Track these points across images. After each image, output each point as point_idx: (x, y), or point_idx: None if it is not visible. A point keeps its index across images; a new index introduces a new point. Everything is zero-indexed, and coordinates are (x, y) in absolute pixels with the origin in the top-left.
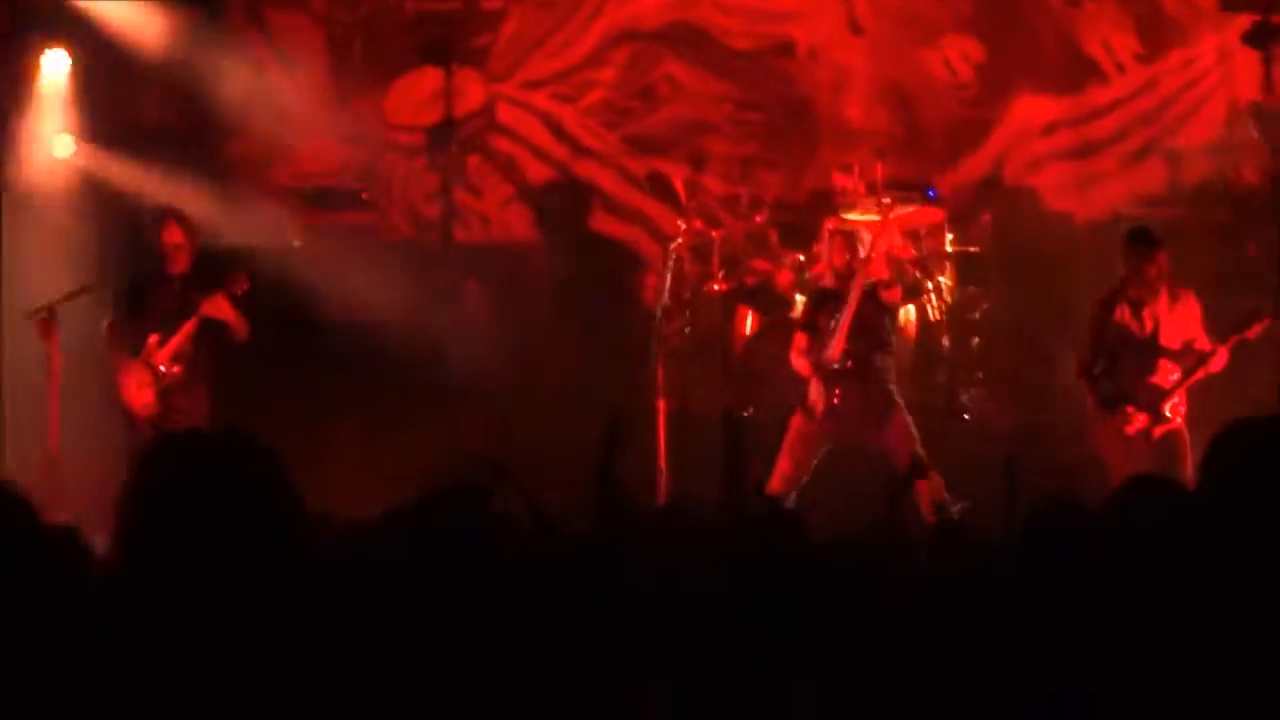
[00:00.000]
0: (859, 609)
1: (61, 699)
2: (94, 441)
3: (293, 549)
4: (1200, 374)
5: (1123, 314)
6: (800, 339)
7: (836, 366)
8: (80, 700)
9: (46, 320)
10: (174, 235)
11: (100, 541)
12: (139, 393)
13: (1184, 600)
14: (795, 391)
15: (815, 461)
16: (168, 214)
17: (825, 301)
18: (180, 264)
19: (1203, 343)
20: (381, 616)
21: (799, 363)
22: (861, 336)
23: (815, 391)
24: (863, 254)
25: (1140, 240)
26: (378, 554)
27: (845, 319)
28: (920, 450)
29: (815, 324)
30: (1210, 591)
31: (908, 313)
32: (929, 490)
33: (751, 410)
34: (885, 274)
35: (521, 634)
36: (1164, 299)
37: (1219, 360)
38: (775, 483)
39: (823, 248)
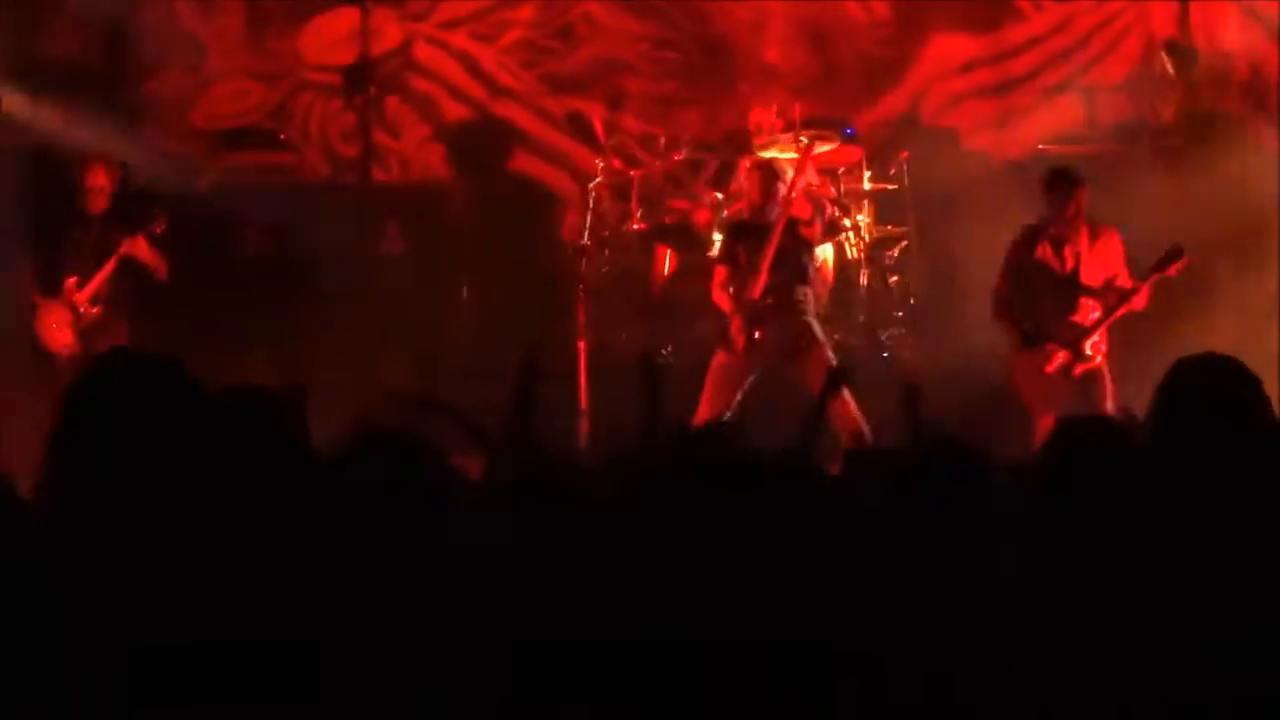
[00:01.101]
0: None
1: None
2: (10, 385)
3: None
4: (1121, 311)
5: (1044, 251)
6: (720, 272)
7: (758, 301)
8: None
9: None
10: (97, 178)
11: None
12: (58, 333)
13: (1130, 543)
14: (716, 328)
15: (737, 397)
16: (92, 157)
17: (743, 235)
18: (100, 205)
19: (1124, 280)
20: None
21: (720, 297)
22: (781, 271)
23: (736, 327)
24: (782, 190)
25: (1061, 178)
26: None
27: (767, 255)
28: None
29: (734, 257)
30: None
31: (826, 251)
32: (846, 415)
33: (670, 349)
34: (806, 211)
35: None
36: (1084, 236)
37: (1140, 298)
38: (698, 421)
39: (741, 185)
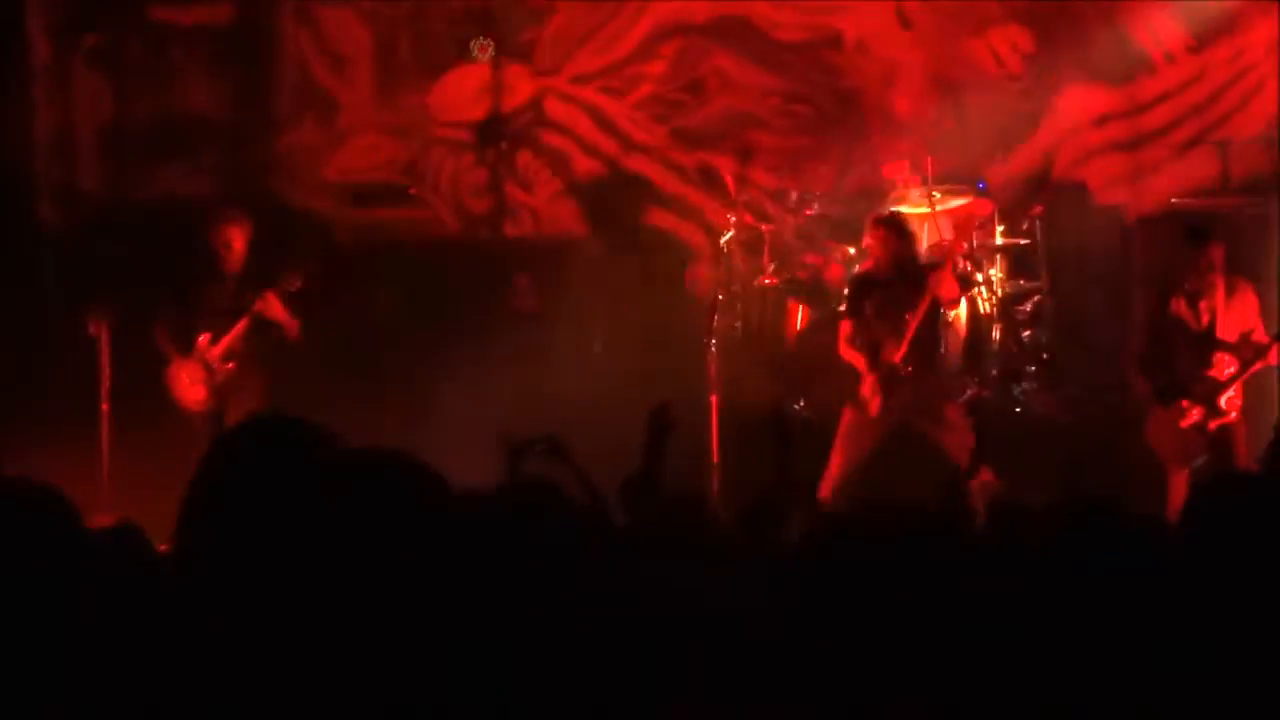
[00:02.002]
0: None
1: (124, 702)
2: (147, 442)
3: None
4: (1258, 367)
5: (1179, 306)
6: (846, 326)
7: (898, 367)
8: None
9: (98, 319)
10: (231, 236)
11: (154, 539)
12: (191, 389)
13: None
14: (847, 385)
15: (867, 457)
16: (227, 216)
17: (870, 289)
18: (234, 263)
19: (1260, 335)
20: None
21: (848, 353)
22: (920, 338)
23: (869, 388)
24: (921, 244)
25: (1196, 236)
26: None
27: (912, 324)
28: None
29: (861, 310)
30: None
31: (959, 307)
32: (983, 487)
33: (802, 404)
34: (955, 293)
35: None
36: (1220, 291)
37: (1275, 353)
38: (828, 480)
39: (870, 240)
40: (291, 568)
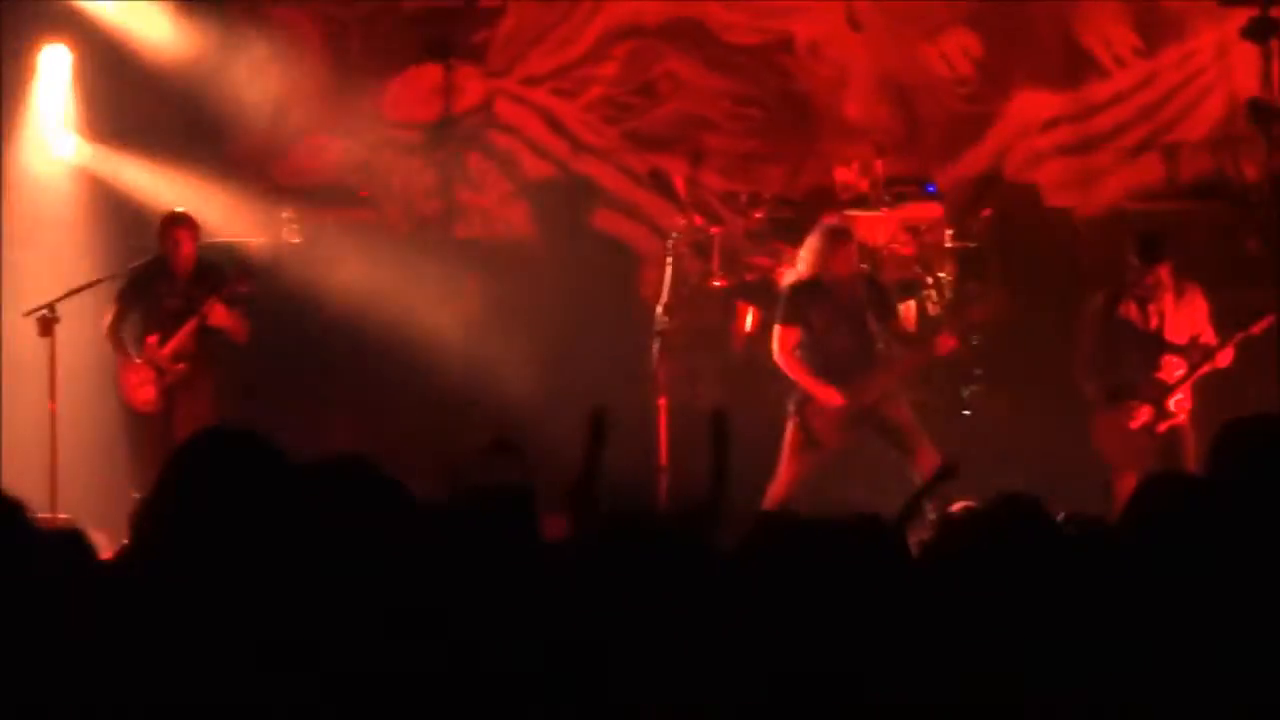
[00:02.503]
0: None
1: (65, 702)
2: (93, 441)
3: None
4: (1205, 369)
5: (1128, 309)
6: (790, 335)
7: (864, 405)
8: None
9: (46, 319)
10: (180, 237)
11: (100, 539)
12: (140, 390)
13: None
14: (795, 400)
15: (815, 470)
16: (176, 218)
17: (816, 298)
18: (183, 264)
19: (1209, 338)
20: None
21: (791, 364)
22: (862, 337)
23: (824, 422)
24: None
25: (1147, 249)
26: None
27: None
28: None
29: (808, 320)
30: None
31: (908, 308)
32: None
33: (751, 406)
34: (913, 328)
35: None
36: (1170, 294)
37: (1225, 357)
38: (774, 491)
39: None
40: (252, 578)
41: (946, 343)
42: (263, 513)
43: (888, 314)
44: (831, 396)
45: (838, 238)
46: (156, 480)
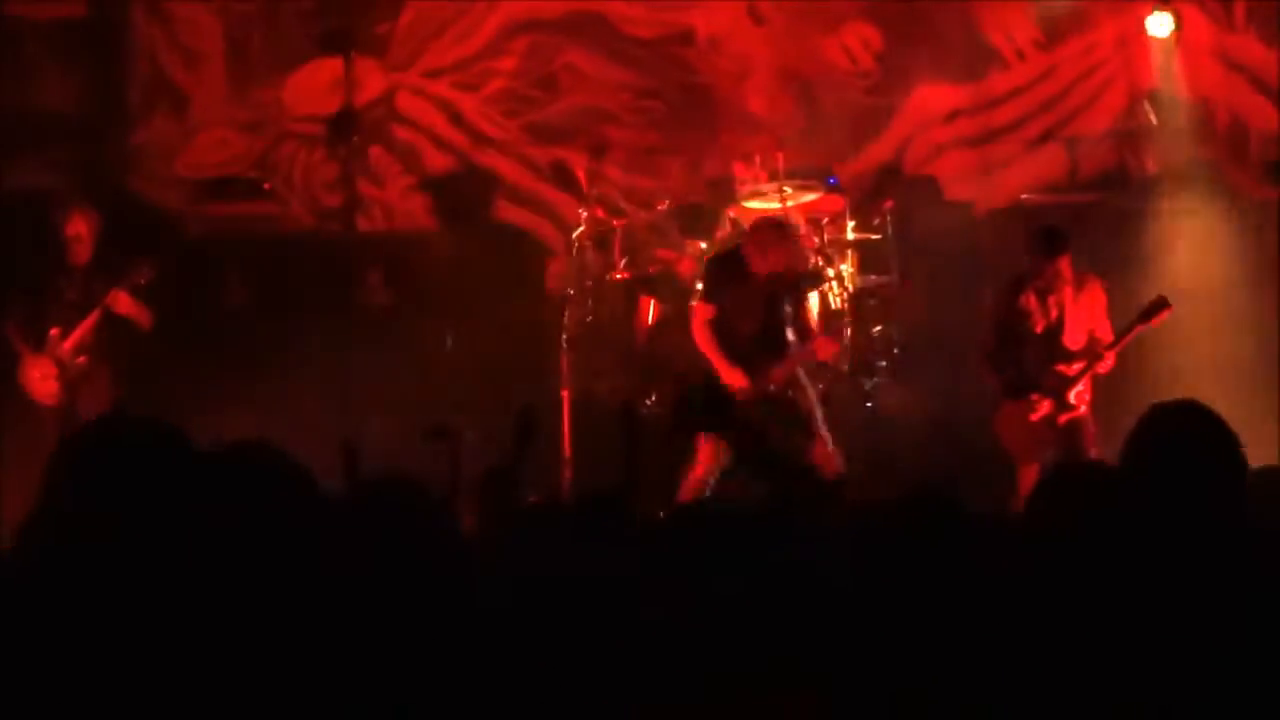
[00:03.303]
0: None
1: None
2: None
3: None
4: (1102, 364)
5: (1028, 302)
6: (704, 310)
7: (767, 392)
8: None
9: None
10: (77, 226)
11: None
12: (42, 384)
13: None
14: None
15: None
16: (71, 204)
17: (736, 276)
18: (82, 255)
19: (1105, 332)
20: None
21: (700, 337)
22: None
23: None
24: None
25: (1046, 241)
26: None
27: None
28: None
29: (722, 299)
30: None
31: (810, 301)
32: (826, 460)
33: (654, 398)
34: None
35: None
36: (1069, 288)
37: (1108, 362)
38: (692, 475)
39: (726, 233)
40: (150, 565)
41: (826, 347)
42: (162, 498)
43: (798, 306)
44: (735, 378)
45: (785, 235)
46: (46, 469)
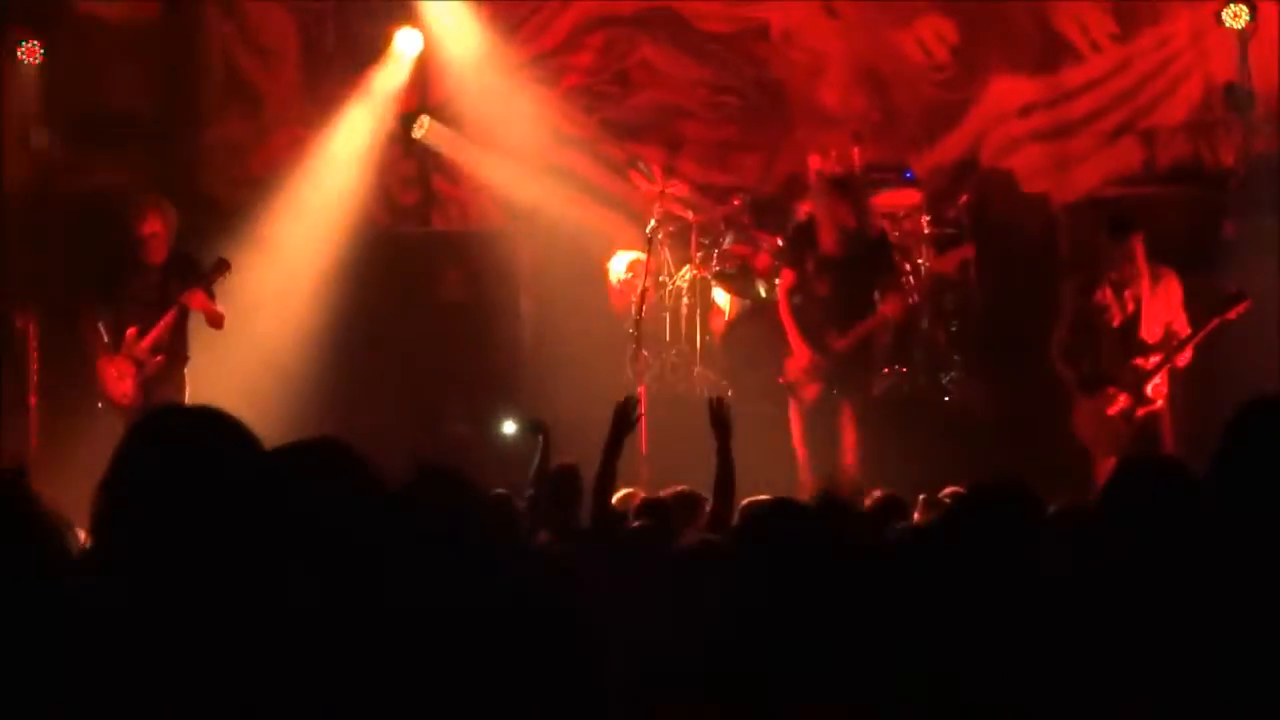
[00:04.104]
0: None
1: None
2: (74, 436)
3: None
4: (1180, 357)
5: (1104, 295)
6: (787, 276)
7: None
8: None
9: (25, 314)
10: (153, 224)
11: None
12: (118, 383)
13: (1192, 581)
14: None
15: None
16: (147, 203)
17: (808, 234)
18: (158, 253)
19: (1182, 325)
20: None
21: (782, 307)
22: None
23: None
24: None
25: (1119, 226)
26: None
27: (851, 338)
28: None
29: (801, 260)
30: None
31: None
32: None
33: (731, 392)
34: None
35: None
36: (1145, 280)
37: (1186, 356)
38: (802, 471)
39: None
40: (216, 556)
41: (894, 305)
42: (225, 488)
43: (877, 263)
44: (800, 352)
45: (835, 189)
46: (112, 457)
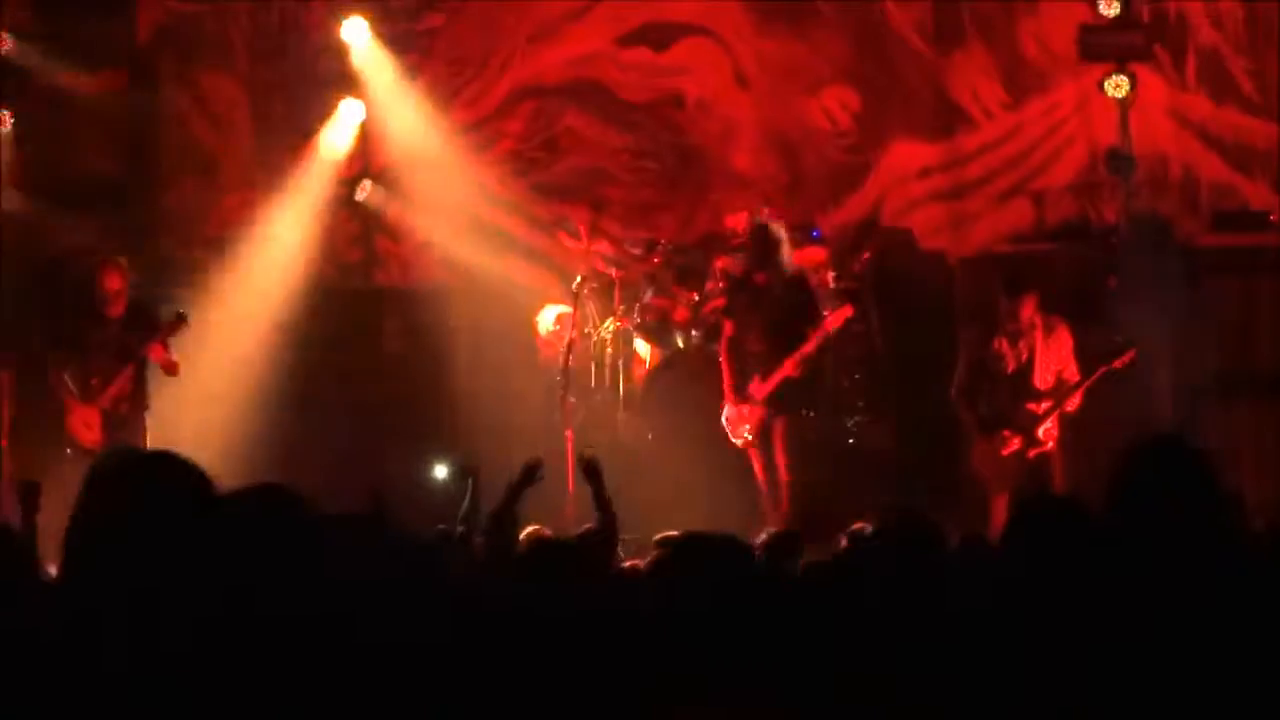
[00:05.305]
0: None
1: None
2: (44, 479)
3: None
4: (1070, 403)
5: (1000, 345)
6: (725, 327)
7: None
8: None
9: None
10: (114, 281)
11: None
12: (86, 431)
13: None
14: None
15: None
16: (108, 261)
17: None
18: (118, 308)
19: (1072, 373)
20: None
21: (721, 356)
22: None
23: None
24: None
25: (1010, 287)
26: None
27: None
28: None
29: (733, 310)
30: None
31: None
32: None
33: (651, 437)
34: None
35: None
36: (1039, 331)
37: (1075, 401)
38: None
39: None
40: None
41: (836, 319)
42: (174, 523)
43: (797, 304)
44: (726, 401)
45: (764, 240)
46: (77, 496)
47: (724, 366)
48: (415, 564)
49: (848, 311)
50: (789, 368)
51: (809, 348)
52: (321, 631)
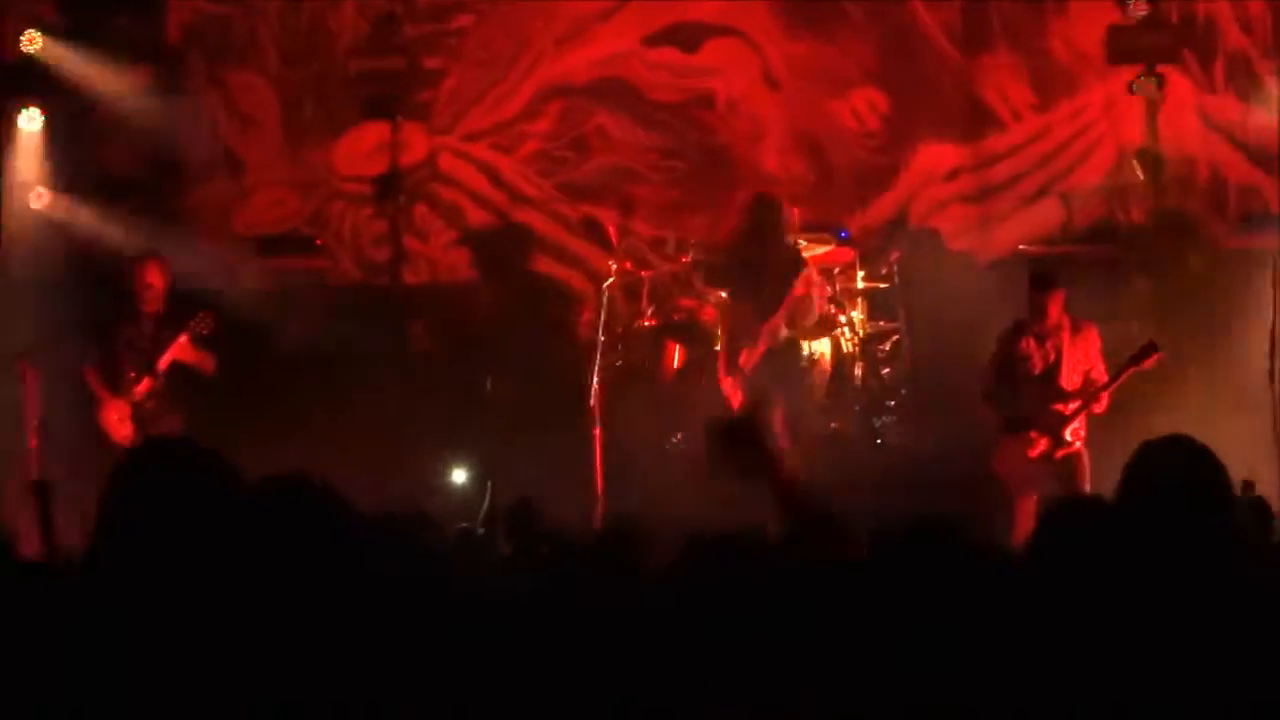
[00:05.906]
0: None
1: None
2: (76, 476)
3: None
4: (1097, 404)
5: (1027, 345)
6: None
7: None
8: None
9: (26, 362)
10: (152, 276)
11: None
12: (120, 426)
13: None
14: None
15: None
16: (147, 256)
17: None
18: (154, 303)
19: (1100, 373)
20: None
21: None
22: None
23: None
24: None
25: (1041, 282)
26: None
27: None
28: None
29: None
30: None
31: (823, 345)
32: None
33: (680, 437)
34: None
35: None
36: (1066, 332)
37: (1102, 402)
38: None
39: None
40: (197, 583)
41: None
42: (202, 519)
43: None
44: (720, 374)
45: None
46: (102, 488)
47: (719, 339)
48: (451, 562)
49: (811, 277)
50: (764, 339)
51: (776, 320)
52: (353, 624)
